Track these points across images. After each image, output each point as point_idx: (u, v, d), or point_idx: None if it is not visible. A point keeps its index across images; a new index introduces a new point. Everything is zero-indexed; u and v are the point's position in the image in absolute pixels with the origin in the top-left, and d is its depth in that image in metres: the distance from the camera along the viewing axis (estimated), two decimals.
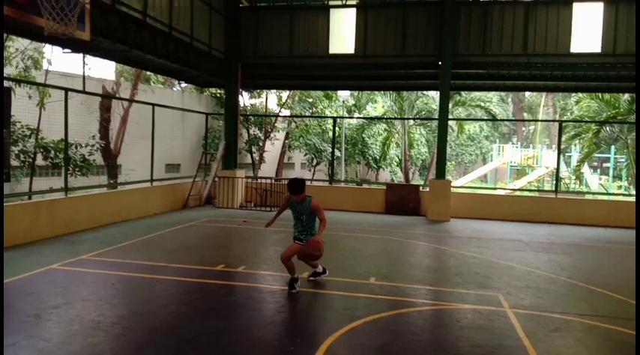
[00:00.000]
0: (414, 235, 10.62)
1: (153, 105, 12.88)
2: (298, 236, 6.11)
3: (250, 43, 14.38)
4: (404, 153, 27.13)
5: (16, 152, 12.33)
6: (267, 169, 25.69)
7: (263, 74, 15.51)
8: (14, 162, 12.55)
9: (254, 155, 24.37)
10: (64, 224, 9.24)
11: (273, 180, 15.60)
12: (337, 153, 23.40)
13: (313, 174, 27.15)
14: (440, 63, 13.19)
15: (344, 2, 13.89)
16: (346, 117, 26.92)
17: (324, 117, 25.31)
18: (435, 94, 25.13)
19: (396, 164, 29.11)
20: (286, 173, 28.57)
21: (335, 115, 24.59)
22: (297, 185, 5.89)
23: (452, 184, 13.79)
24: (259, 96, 25.57)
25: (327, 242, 9.37)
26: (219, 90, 23.44)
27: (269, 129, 24.25)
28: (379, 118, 27.43)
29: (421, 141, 30.82)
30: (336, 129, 20.80)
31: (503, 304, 5.79)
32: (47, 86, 11.60)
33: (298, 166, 31.92)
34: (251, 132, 23.92)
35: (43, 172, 14.96)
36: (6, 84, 9.10)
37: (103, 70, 20.02)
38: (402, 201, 13.83)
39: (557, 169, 14.99)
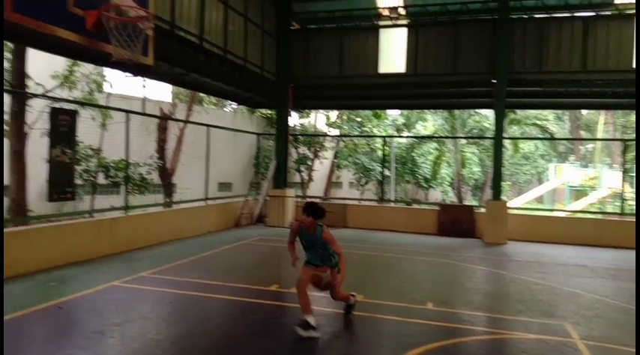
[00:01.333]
0: (470, 258, 10.24)
1: (207, 125, 13.24)
2: (313, 262, 5.39)
3: (301, 64, 14.59)
4: (456, 173, 26.50)
5: (80, 171, 12.94)
6: (316, 188, 25.76)
7: (313, 95, 15.67)
8: (77, 181, 13.17)
9: (302, 174, 24.52)
10: (123, 241, 9.55)
11: (321, 200, 15.58)
12: (387, 172, 23.13)
13: (362, 193, 26.95)
14: (494, 81, 12.86)
15: (394, 22, 13.88)
16: (396, 136, 26.66)
17: (373, 136, 25.18)
18: (487, 112, 24.52)
19: (447, 184, 28.46)
20: (335, 192, 28.56)
21: (384, 134, 24.43)
22: (320, 209, 5.30)
23: (508, 205, 13.26)
24: (308, 116, 25.82)
25: (380, 264, 9.28)
26: (269, 111, 23.87)
27: (318, 149, 24.38)
28: (430, 137, 27.01)
29: (473, 160, 30.03)
30: (386, 148, 20.60)
31: (572, 334, 5.43)
32: (110, 108, 12.17)
33: (346, 185, 31.83)
34: (300, 151, 24.13)
35: (103, 190, 15.63)
36: (72, 106, 9.60)
37: (159, 92, 20.87)
38: (456, 222, 13.43)
39: (622, 190, 14.17)
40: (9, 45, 12.35)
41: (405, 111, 27.69)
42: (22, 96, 11.52)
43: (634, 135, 31.10)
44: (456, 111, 24.44)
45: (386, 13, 13.81)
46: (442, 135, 26.71)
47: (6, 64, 12.95)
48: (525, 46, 12.85)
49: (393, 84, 14.05)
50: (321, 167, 25.89)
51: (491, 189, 13.22)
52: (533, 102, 14.76)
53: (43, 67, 13.69)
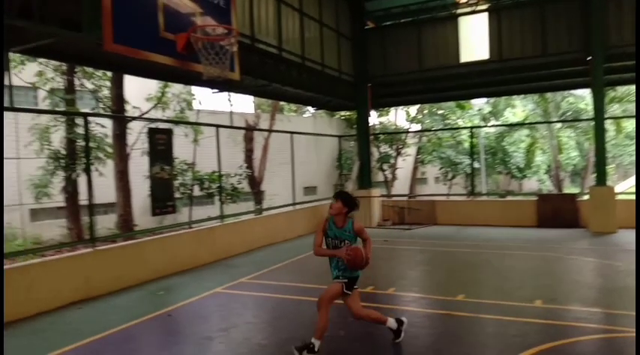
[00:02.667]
0: (577, 250, 9.50)
1: (290, 133, 13.51)
2: (340, 274, 4.67)
3: (378, 62, 14.44)
4: (553, 160, 24.80)
5: (177, 185, 13.79)
6: (400, 186, 25.39)
7: (392, 92, 15.42)
8: (176, 194, 14.05)
9: (386, 173, 24.28)
10: (221, 249, 10.00)
11: (408, 198, 15.29)
12: (476, 164, 22.22)
13: (449, 188, 26.13)
14: (589, 58, 11.86)
15: (473, 9, 13.29)
16: (483, 126, 25.53)
17: (459, 128, 24.31)
18: (583, 92, 22.70)
19: (543, 172, 26.72)
20: (420, 189, 27.95)
21: (470, 125, 23.47)
22: (354, 199, 4.69)
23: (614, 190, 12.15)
24: (387, 114, 25.54)
25: (477, 261, 8.90)
26: (348, 113, 23.94)
27: (400, 146, 24.02)
28: (521, 124, 25.52)
29: (570, 145, 27.94)
30: (473, 139, 19.78)
31: None
32: (200, 124, 12.83)
33: (432, 181, 31.08)
34: (382, 150, 23.92)
35: (199, 202, 16.53)
36: (166, 125, 10.24)
37: (243, 104, 21.72)
38: (557, 212, 12.54)
39: None
40: (107, 74, 13.50)
41: (492, 99, 26.42)
42: (122, 120, 12.48)
43: None
44: (548, 94, 22.87)
45: (463, 0, 13.27)
46: (534, 121, 25.12)
47: (105, 91, 14.16)
48: (622, 19, 11.72)
49: (477, 72, 13.44)
50: (405, 164, 25.48)
51: (595, 174, 12.18)
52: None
53: (138, 90, 14.80)
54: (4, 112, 10.55)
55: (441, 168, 25.29)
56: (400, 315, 5.10)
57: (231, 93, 15.28)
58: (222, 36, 6.15)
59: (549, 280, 7.45)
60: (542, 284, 7.13)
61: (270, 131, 18.84)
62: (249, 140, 18.73)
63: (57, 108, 13.32)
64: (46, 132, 12.90)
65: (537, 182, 28.01)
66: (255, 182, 19.16)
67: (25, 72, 13.00)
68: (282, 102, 22.28)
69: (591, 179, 12.14)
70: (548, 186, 26.82)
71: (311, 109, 26.14)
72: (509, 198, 18.25)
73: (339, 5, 13.49)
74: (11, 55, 11.30)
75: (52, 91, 13.60)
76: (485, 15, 13.20)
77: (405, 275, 8.28)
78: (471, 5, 13.29)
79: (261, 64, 9.98)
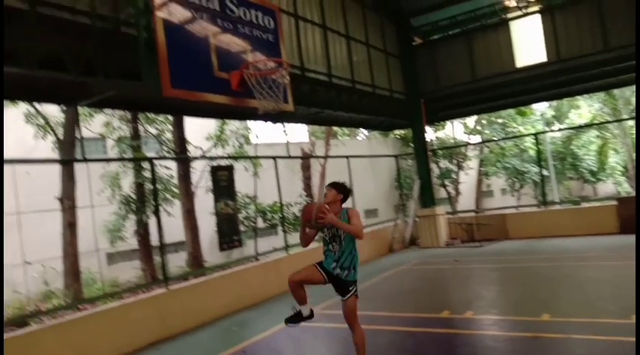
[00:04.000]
0: None
1: (346, 157, 13.45)
2: (331, 269, 4.42)
3: (429, 77, 14.21)
4: (629, 160, 23.14)
5: (241, 219, 14.05)
6: (465, 201, 24.55)
7: (446, 105, 15.04)
8: (241, 228, 14.31)
9: (448, 189, 23.60)
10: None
11: (475, 213, 14.68)
12: (544, 171, 21.11)
13: (518, 199, 24.95)
14: None
15: (525, 11, 12.83)
16: (547, 131, 24.34)
17: (521, 135, 23.29)
18: None
19: (619, 173, 24.95)
20: (486, 203, 26.90)
21: (533, 131, 22.44)
22: (348, 188, 4.53)
23: None
24: (443, 128, 24.99)
25: (557, 276, 8.28)
26: (403, 131, 23.65)
27: (460, 160, 23.33)
28: (588, 125, 24.09)
29: None
30: (538, 145, 18.84)
31: None
32: (258, 158, 13.07)
33: (498, 193, 29.86)
34: (441, 165, 23.33)
35: (263, 233, 16.73)
36: (227, 162, 10.50)
37: (298, 133, 22.03)
38: None
39: None
40: (169, 118, 14.14)
41: (554, 102, 25.21)
42: (185, 161, 12.95)
43: None
44: (616, 91, 21.51)
45: (513, 4, 12.86)
46: (603, 120, 23.64)
47: (168, 134, 14.82)
48: None
49: (535, 76, 12.88)
50: (467, 178, 24.68)
51: None
52: None
53: (198, 130, 15.37)
54: (76, 163, 11.29)
55: (507, 179, 24.25)
56: (489, 341, 4.76)
57: (286, 124, 15.52)
58: (274, 69, 6.25)
59: None
60: (633, 296, 6.48)
61: (326, 157, 18.93)
62: (306, 168, 18.88)
63: (124, 155, 14.09)
64: (116, 178, 13.64)
65: (613, 185, 26.16)
66: None
67: (94, 123, 13.88)
68: (335, 127, 22.43)
69: None
70: (626, 189, 24.96)
71: (365, 131, 26.08)
72: (584, 204, 17.09)
73: (384, 25, 13.47)
74: (80, 109, 12.14)
75: (119, 139, 14.42)
76: (538, 16, 12.70)
77: (481, 296, 7.83)
78: (521, 8, 12.84)
79: (312, 93, 10.07)
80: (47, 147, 13.11)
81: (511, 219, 13.71)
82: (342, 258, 4.35)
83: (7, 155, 7.20)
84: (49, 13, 5.59)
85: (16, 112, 13.07)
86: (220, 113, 9.25)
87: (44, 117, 12.84)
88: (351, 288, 4.45)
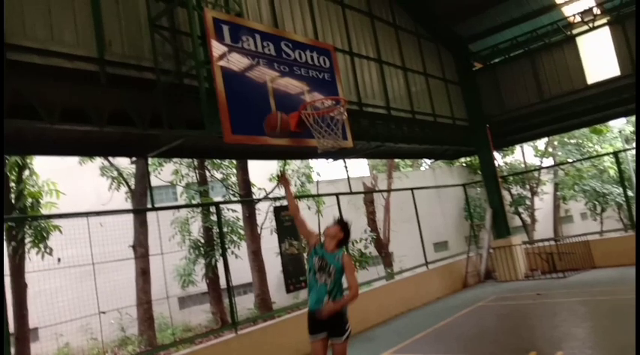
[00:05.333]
0: None
1: (411, 189, 13.08)
2: (317, 307, 4.31)
3: (493, 101, 13.73)
4: None
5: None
6: (542, 229, 23.10)
7: (513, 129, 14.40)
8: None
9: (523, 216, 22.34)
10: (356, 320, 9.52)
11: (555, 242, 13.66)
12: (629, 192, 19.51)
13: (601, 223, 23.13)
14: None
15: (592, 25, 12.17)
16: (628, 149, 22.65)
17: (598, 155, 21.78)
18: None
19: None
20: (565, 229, 25.17)
21: (612, 150, 20.92)
22: (350, 230, 4.69)
23: None
24: (512, 153, 23.94)
25: None
26: (469, 158, 22.90)
27: (534, 185, 22.12)
28: None
29: None
30: (619, 165, 17.48)
31: None
32: (321, 195, 13.01)
33: (577, 218, 27.93)
34: (513, 192, 22.21)
35: None
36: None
37: (359, 168, 21.92)
38: None
39: None
40: (233, 162, 14.53)
41: (632, 118, 23.54)
42: (250, 203, 13.15)
43: None
44: None
45: (577, 19, 12.26)
46: None
47: (233, 178, 15.20)
48: None
49: (609, 91, 12.06)
50: (543, 204, 23.29)
51: None
52: None
53: (261, 172, 15.67)
54: (148, 212, 11.74)
55: (587, 203, 22.59)
56: None
57: (347, 160, 15.49)
58: (331, 107, 6.21)
59: None
60: None
61: (389, 191, 18.59)
62: (369, 203, 18.61)
63: (192, 201, 14.56)
64: (186, 223, 14.06)
65: None
66: (381, 244, 18.74)
67: (164, 172, 14.52)
68: (397, 160, 22.12)
69: None
70: None
71: (428, 161, 25.53)
72: None
73: (441, 53, 13.26)
74: (150, 160, 12.75)
75: (187, 186, 14.96)
76: (607, 29, 12.01)
77: (572, 334, 7.08)
78: (587, 23, 12.20)
79: (371, 127, 9.97)
80: (121, 198, 13.82)
81: (596, 245, 12.61)
82: (333, 289, 4.37)
83: (85, 207, 7.61)
84: (118, 73, 5.92)
85: (92, 166, 13.96)
86: (281, 154, 9.34)
87: (117, 170, 13.61)
88: (347, 326, 4.39)
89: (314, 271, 4.41)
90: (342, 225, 4.62)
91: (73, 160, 13.73)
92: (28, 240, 9.44)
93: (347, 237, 4.62)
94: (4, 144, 5.14)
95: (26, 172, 9.95)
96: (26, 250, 9.43)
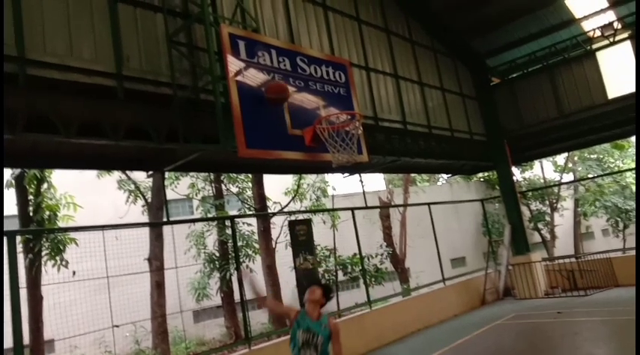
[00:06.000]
0: None
1: (428, 204, 12.93)
2: None
3: (511, 116, 13.57)
4: None
5: (322, 272, 13.80)
6: (562, 246, 22.59)
7: (532, 144, 14.17)
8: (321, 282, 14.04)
9: (542, 232, 21.90)
10: (373, 337, 9.44)
11: (576, 259, 13.31)
12: None
13: (623, 240, 22.53)
14: None
15: (612, 40, 11.99)
16: None
17: (620, 171, 21.34)
18: None
19: None
20: (586, 246, 24.59)
21: (634, 165, 20.48)
22: (329, 290, 4.29)
23: None
24: (531, 169, 23.58)
25: None
26: (487, 174, 22.62)
27: (553, 200, 21.71)
28: None
29: None
30: None
31: None
32: (336, 210, 12.94)
33: (599, 234, 27.27)
34: (533, 207, 21.82)
35: (343, 286, 16.32)
36: (305, 216, 10.45)
37: (375, 182, 21.80)
38: None
39: None
40: (249, 176, 14.57)
41: None
42: (265, 217, 13.14)
43: None
44: None
45: (597, 34, 12.10)
46: None
47: (249, 192, 15.23)
48: None
49: (630, 106, 11.80)
50: (563, 220, 22.81)
51: None
52: None
53: (276, 186, 15.67)
54: (164, 226, 11.80)
55: (609, 219, 22.06)
56: None
57: (362, 174, 15.43)
58: (347, 122, 6.19)
59: None
60: None
61: (405, 206, 18.43)
62: (385, 217, 18.43)
63: (208, 215, 14.60)
64: (201, 237, 14.08)
65: None
66: (397, 260, 18.50)
67: (180, 185, 14.61)
68: (413, 174, 21.95)
69: None
70: None
71: (445, 176, 25.28)
72: None
73: (458, 68, 13.19)
74: (167, 174, 12.85)
75: (203, 199, 15.02)
76: (628, 44, 11.81)
77: None
78: (608, 37, 12.03)
79: (387, 141, 9.91)
80: (138, 211, 13.93)
81: (619, 263, 12.26)
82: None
83: (103, 220, 7.67)
84: (135, 88, 5.99)
85: (110, 180, 14.12)
86: (295, 169, 9.32)
87: (134, 183, 13.75)
88: None
89: (298, 348, 3.98)
90: (324, 288, 4.25)
91: (91, 174, 13.92)
92: (44, 252, 9.54)
93: (328, 300, 4.25)
94: (3, 154, 5.19)
95: (44, 185, 10.09)
96: (42, 262, 9.53)
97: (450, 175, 22.64)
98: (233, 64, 5.88)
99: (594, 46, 12.39)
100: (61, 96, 5.42)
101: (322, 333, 3.97)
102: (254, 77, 6.12)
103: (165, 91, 6.26)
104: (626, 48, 11.81)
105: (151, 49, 6.29)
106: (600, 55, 12.24)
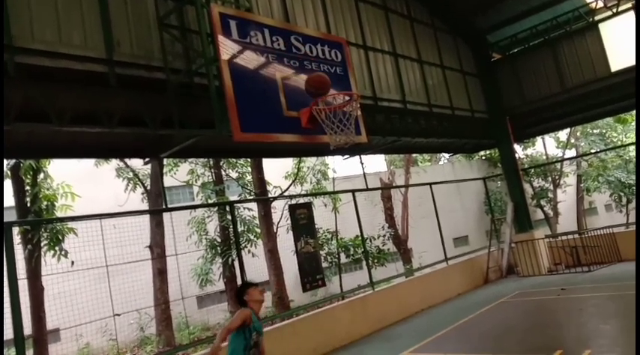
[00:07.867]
0: None
1: (429, 184, 12.83)
2: None
3: (513, 92, 13.38)
4: None
5: (324, 255, 13.78)
6: (565, 222, 22.53)
7: (534, 120, 14.00)
8: (323, 264, 14.03)
9: (545, 209, 21.83)
10: (376, 319, 9.44)
11: (579, 235, 13.26)
12: None
13: (626, 215, 22.45)
14: None
15: (615, 11, 11.73)
16: None
17: (623, 145, 21.14)
18: None
19: None
20: (590, 221, 24.53)
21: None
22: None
23: None
24: (533, 145, 23.39)
25: None
26: (488, 151, 22.45)
27: (556, 177, 21.58)
28: None
29: None
30: None
31: None
32: (337, 192, 12.85)
33: (602, 210, 27.21)
34: (535, 184, 21.71)
35: (346, 269, 16.33)
36: (306, 199, 10.37)
37: (376, 164, 21.67)
38: None
39: None
40: (248, 160, 14.45)
41: None
42: (265, 201, 13.06)
43: None
44: None
45: (600, 4, 11.83)
46: None
47: (248, 177, 15.13)
48: None
49: (634, 79, 11.60)
50: (566, 196, 22.72)
51: None
52: None
53: (276, 170, 15.55)
54: (163, 213, 11.73)
55: (612, 194, 21.96)
56: None
57: (363, 156, 15.31)
58: (344, 103, 6.05)
59: None
60: None
61: (406, 186, 18.33)
62: (387, 198, 18.35)
63: (208, 201, 14.53)
64: (202, 223, 14.03)
65: None
66: (400, 241, 18.48)
67: (179, 172, 14.51)
68: (414, 154, 21.80)
69: None
70: None
71: (446, 155, 25.14)
72: None
73: (458, 44, 12.94)
74: (165, 160, 12.74)
75: (203, 185, 14.93)
76: (631, 14, 11.53)
77: (600, 331, 6.81)
78: (611, 8, 11.76)
79: (387, 121, 9.78)
80: (138, 199, 13.86)
81: (623, 238, 12.20)
82: None
83: (104, 209, 7.60)
84: (128, 73, 5.85)
85: (109, 168, 14.03)
86: (294, 152, 9.20)
87: (133, 171, 13.65)
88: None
89: (250, 347, 4.16)
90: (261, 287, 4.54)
91: (89, 163, 13.81)
92: (44, 242, 9.49)
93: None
94: (3, 146, 5.10)
95: (41, 175, 10.00)
96: (42, 253, 9.49)
97: (451, 154, 22.51)
98: (225, 44, 5.72)
99: (597, 18, 12.14)
100: (53, 84, 5.31)
101: (260, 330, 4.32)
102: (247, 58, 5.96)
103: (159, 76, 6.11)
104: (630, 18, 11.54)
105: (142, 32, 6.12)
106: (603, 27, 11.98)
